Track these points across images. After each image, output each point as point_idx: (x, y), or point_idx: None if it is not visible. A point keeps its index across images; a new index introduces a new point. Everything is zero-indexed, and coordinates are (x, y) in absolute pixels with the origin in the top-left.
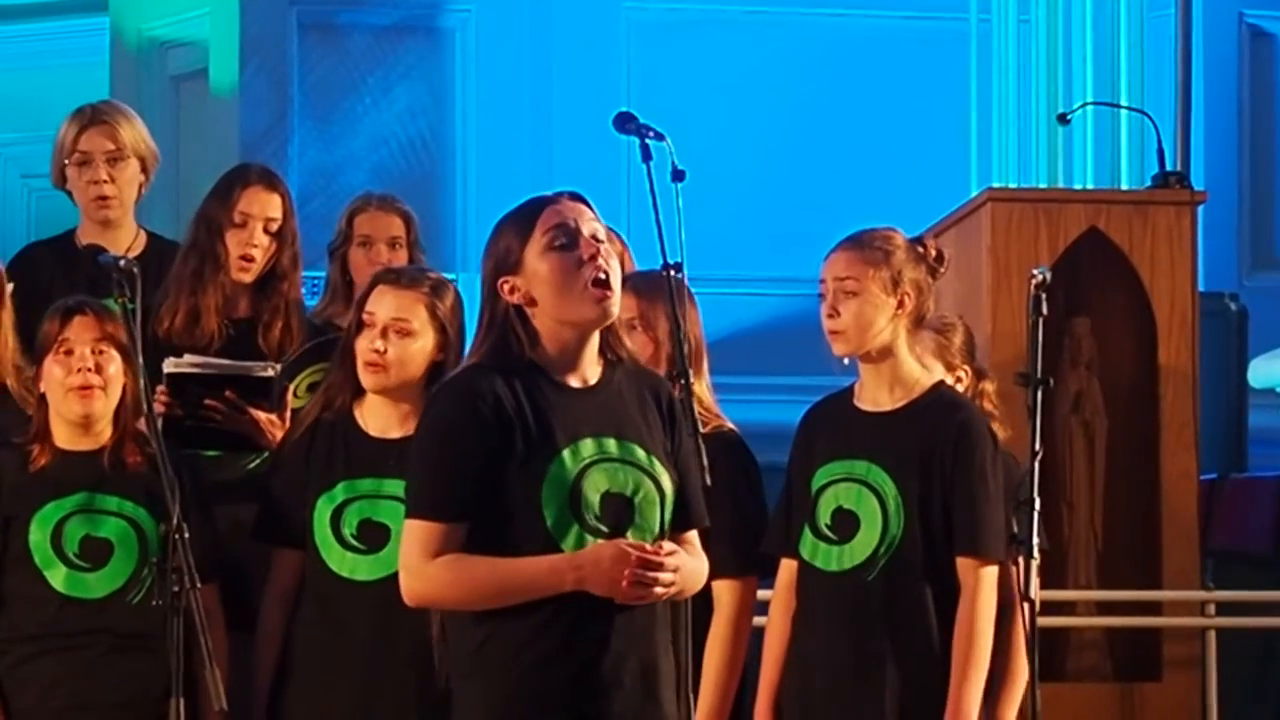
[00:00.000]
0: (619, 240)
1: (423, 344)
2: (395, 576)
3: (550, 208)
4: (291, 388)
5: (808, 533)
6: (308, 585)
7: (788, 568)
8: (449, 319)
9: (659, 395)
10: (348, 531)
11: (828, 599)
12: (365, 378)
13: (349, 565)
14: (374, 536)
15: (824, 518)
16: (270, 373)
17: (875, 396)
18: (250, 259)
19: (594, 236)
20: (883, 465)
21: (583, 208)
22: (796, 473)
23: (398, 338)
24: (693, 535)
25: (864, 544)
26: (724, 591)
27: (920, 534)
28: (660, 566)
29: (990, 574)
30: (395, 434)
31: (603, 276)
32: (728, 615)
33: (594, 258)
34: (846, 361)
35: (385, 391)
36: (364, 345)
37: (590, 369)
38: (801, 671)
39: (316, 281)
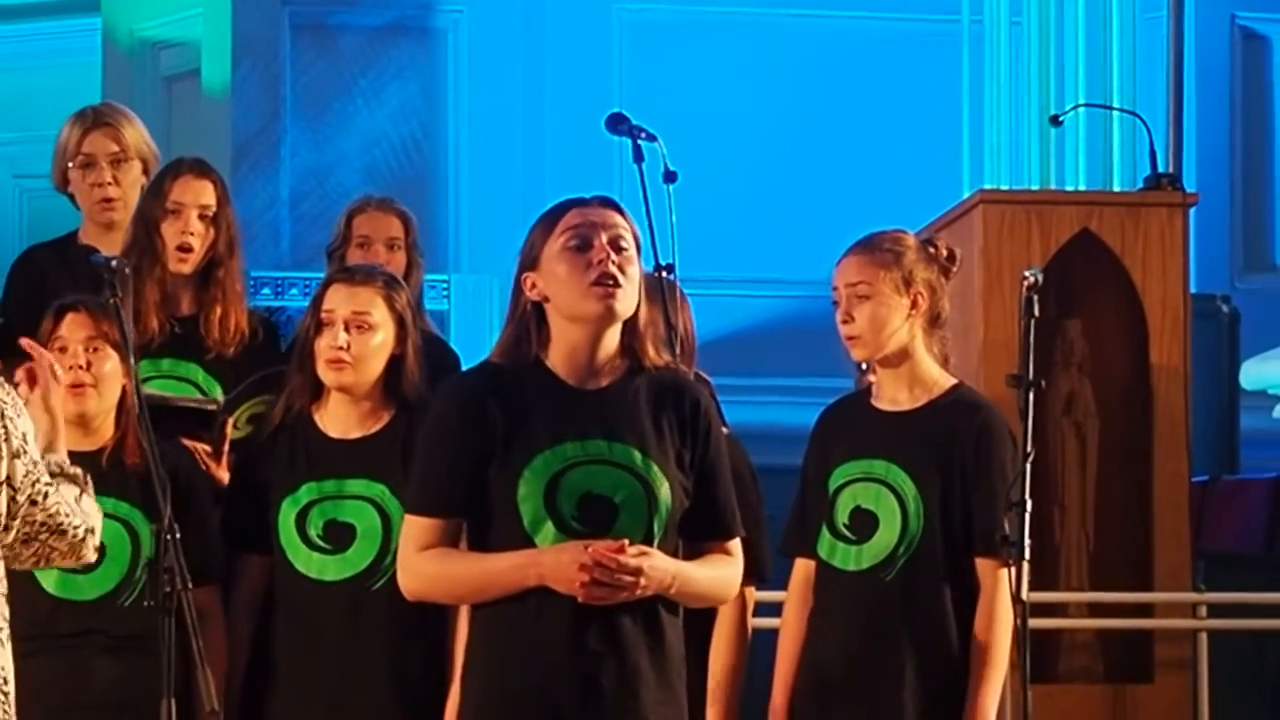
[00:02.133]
0: None
1: (383, 337)
2: (363, 575)
3: (575, 210)
4: (232, 420)
5: (825, 532)
6: (277, 589)
7: (803, 567)
8: (405, 312)
9: (683, 403)
10: (314, 533)
11: (846, 598)
12: (328, 375)
13: (316, 566)
14: (340, 537)
15: (842, 517)
16: (213, 407)
17: (894, 396)
18: (188, 248)
19: (611, 242)
20: (902, 465)
21: (609, 213)
22: (813, 472)
23: (358, 332)
24: (730, 545)
25: (883, 543)
26: None
27: (940, 534)
28: (622, 568)
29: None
30: (355, 434)
31: (609, 279)
32: (733, 619)
33: (603, 261)
34: (864, 366)
35: (347, 389)
36: (325, 344)
37: (603, 372)
38: (818, 671)
39: (310, 283)
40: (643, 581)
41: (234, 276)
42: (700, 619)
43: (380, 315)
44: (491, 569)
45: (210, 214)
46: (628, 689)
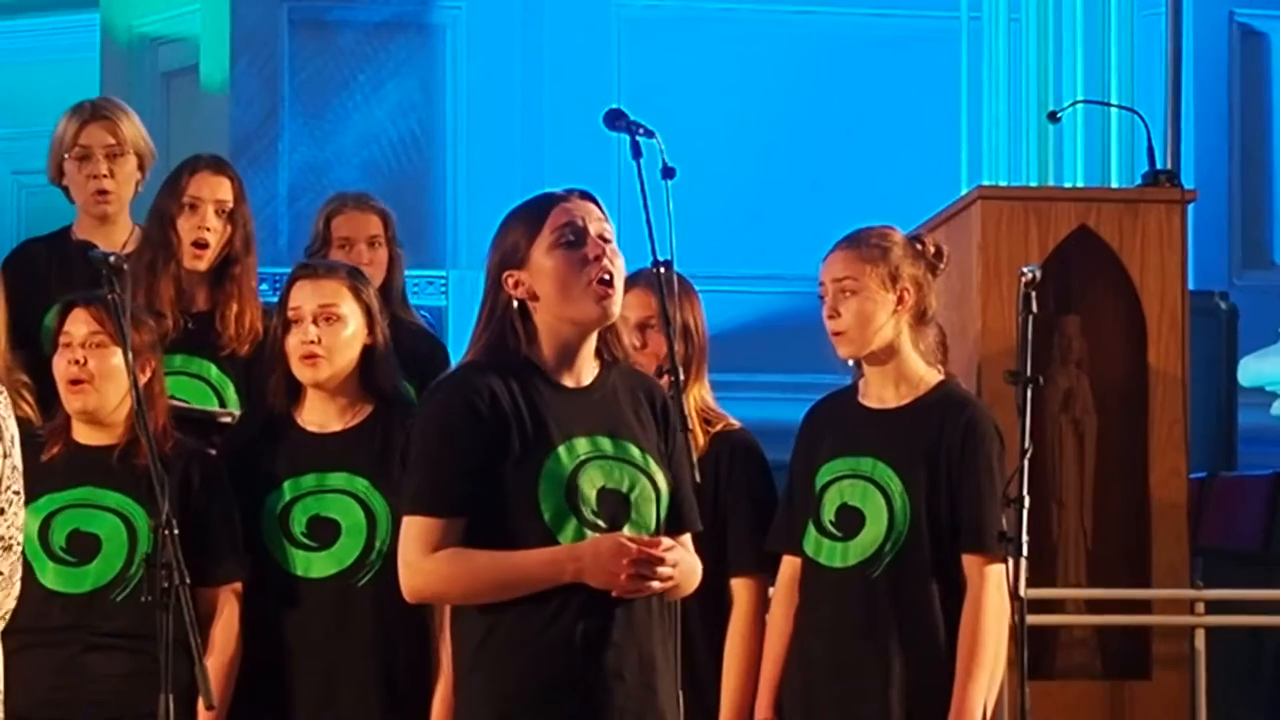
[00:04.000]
0: None
1: (354, 328)
2: (350, 571)
3: (560, 205)
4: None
5: (812, 529)
6: (264, 587)
7: (790, 564)
8: (372, 303)
9: (652, 397)
10: (297, 530)
11: (832, 595)
12: (302, 371)
13: (302, 564)
14: (324, 532)
15: (828, 514)
16: (229, 419)
17: (880, 394)
18: (204, 244)
19: (601, 236)
20: (888, 462)
21: (592, 206)
22: (799, 469)
23: (327, 325)
24: (686, 539)
25: (869, 540)
26: (743, 588)
27: (926, 531)
28: (660, 560)
29: (996, 571)
30: (335, 427)
31: (607, 276)
32: (748, 610)
33: (599, 257)
34: (851, 363)
35: (322, 384)
36: (295, 341)
37: (586, 369)
38: (805, 668)
39: None
40: (676, 574)
41: (249, 274)
42: (716, 609)
43: (348, 307)
44: (522, 566)
45: (227, 210)
46: (647, 681)
